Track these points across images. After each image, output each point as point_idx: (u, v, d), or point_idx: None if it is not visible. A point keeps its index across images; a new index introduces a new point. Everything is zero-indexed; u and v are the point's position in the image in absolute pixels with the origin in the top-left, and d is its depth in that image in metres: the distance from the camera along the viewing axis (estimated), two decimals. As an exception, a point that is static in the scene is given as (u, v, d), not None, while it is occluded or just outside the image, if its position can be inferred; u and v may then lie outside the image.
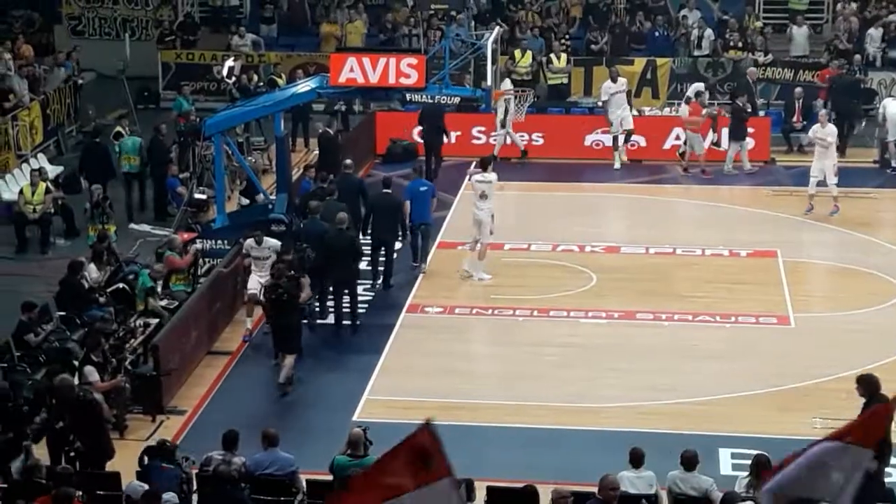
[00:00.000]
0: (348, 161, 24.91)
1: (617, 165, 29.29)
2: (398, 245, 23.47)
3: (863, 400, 15.20)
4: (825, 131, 26.14)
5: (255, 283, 20.80)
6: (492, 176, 23.07)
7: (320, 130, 27.79)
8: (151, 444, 15.62)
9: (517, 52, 31.85)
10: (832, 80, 30.62)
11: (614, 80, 29.58)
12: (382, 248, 22.93)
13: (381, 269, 22.97)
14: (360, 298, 21.99)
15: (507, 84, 29.25)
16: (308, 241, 21.19)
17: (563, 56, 32.58)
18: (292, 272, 19.41)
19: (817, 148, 26.19)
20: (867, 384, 15.38)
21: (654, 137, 30.01)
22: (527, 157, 29.64)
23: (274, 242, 21.04)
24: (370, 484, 7.80)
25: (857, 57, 31.78)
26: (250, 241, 21.05)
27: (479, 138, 29.88)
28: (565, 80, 32.63)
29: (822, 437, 8.68)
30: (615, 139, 29.34)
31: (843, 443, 8.43)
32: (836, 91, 30.41)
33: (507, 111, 27.78)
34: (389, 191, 23.36)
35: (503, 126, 28.88)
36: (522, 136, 29.73)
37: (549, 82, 32.61)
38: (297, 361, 19.26)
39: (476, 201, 23.06)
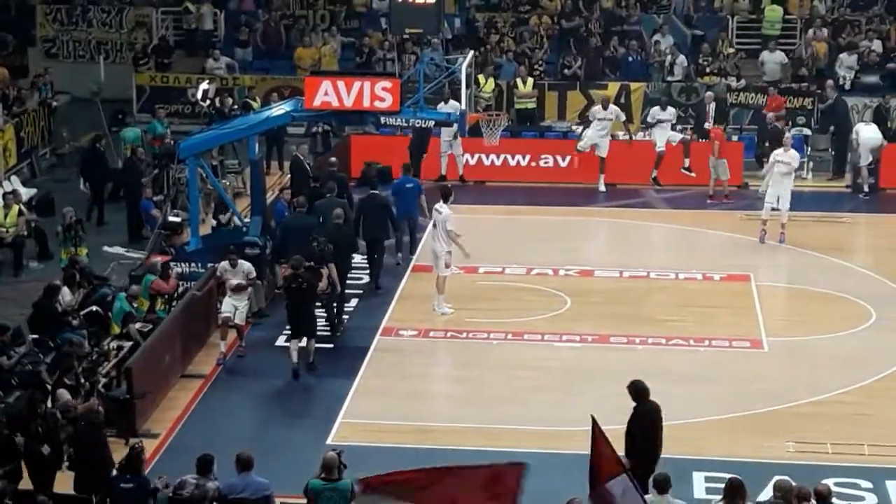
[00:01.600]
0: (333, 159, 26.61)
1: (601, 188, 29.55)
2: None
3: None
4: (788, 156, 26.22)
5: (229, 305, 20.82)
6: (443, 208, 22.87)
7: (293, 154, 27.77)
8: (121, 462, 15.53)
9: (481, 77, 31.96)
10: (835, 102, 30.92)
11: (605, 108, 29.70)
12: (374, 247, 24.03)
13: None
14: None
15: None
16: (292, 235, 22.25)
17: (530, 81, 32.64)
18: (311, 263, 20.58)
19: (775, 173, 26.22)
20: (635, 390, 15.96)
21: (629, 162, 30.08)
22: (463, 181, 29.80)
23: (248, 267, 21.09)
24: (441, 486, 7.92)
25: (830, 82, 31.93)
26: (224, 264, 21.07)
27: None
28: (532, 105, 32.62)
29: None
30: (601, 162, 29.45)
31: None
32: (832, 114, 30.65)
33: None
34: (377, 192, 24.54)
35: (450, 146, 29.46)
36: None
37: (517, 107, 32.65)
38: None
39: (431, 231, 23.12)
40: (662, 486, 14.46)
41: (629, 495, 9.01)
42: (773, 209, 26.14)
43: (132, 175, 27.03)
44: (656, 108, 30.04)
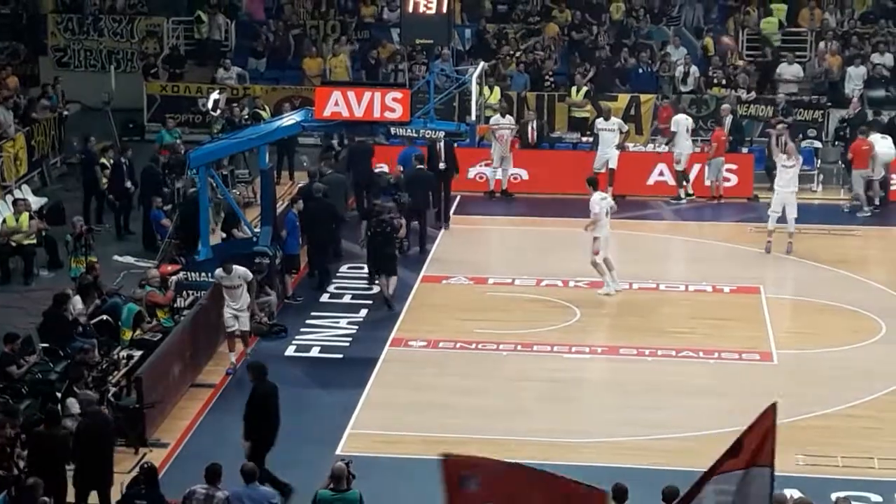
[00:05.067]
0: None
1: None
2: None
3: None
4: (791, 161, 26.21)
5: (230, 315, 20.70)
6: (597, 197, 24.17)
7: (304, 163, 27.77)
8: (135, 476, 15.58)
9: (486, 89, 31.97)
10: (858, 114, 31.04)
11: (606, 119, 29.71)
12: (417, 216, 26.24)
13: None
14: (343, 332, 22.38)
15: (496, 119, 29.49)
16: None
17: (583, 90, 32.64)
18: (391, 214, 23.85)
19: (779, 176, 26.24)
20: (252, 370, 17.28)
21: (638, 173, 30.10)
22: (508, 196, 29.81)
23: (243, 271, 20.84)
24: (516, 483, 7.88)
25: (855, 98, 31.87)
26: (219, 271, 20.88)
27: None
28: (585, 114, 32.47)
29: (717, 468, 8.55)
30: (611, 174, 29.47)
31: (744, 469, 8.37)
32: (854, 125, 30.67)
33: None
34: (423, 167, 26.59)
35: (493, 161, 29.43)
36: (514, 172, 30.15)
37: (570, 114, 32.71)
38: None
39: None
40: (671, 499, 14.43)
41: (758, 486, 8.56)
42: (778, 220, 26.13)
43: (149, 183, 27.00)
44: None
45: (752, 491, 8.42)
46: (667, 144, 29.85)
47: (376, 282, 23.97)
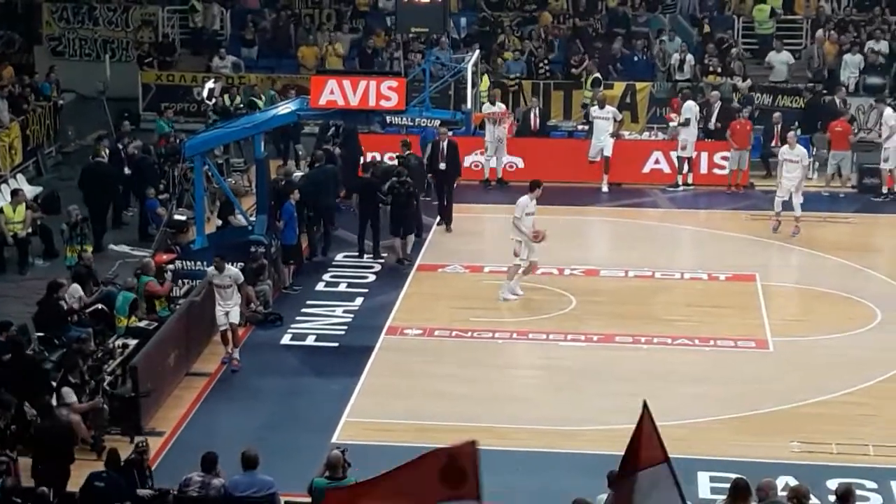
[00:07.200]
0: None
1: (605, 189, 29.46)
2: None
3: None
4: (794, 152, 26.30)
5: (221, 314, 20.52)
6: (523, 198, 23.26)
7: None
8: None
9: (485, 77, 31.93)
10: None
11: (601, 107, 29.67)
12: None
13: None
14: (338, 320, 22.37)
15: (487, 107, 29.43)
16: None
17: (593, 77, 32.54)
18: (409, 179, 24.67)
19: (784, 169, 26.34)
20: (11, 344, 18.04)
21: (634, 161, 30.09)
22: (503, 184, 29.78)
23: (235, 273, 20.64)
24: (389, 487, 7.78)
25: (842, 87, 31.82)
26: (211, 269, 20.73)
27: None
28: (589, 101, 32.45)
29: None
30: (606, 162, 29.43)
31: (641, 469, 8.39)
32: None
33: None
34: (411, 152, 26.92)
35: (487, 149, 29.33)
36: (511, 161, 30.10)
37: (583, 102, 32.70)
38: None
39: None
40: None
41: (663, 484, 8.60)
42: (783, 202, 26.23)
43: (145, 172, 26.99)
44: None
45: (657, 491, 8.47)
46: (682, 128, 29.74)
47: (381, 257, 24.44)
